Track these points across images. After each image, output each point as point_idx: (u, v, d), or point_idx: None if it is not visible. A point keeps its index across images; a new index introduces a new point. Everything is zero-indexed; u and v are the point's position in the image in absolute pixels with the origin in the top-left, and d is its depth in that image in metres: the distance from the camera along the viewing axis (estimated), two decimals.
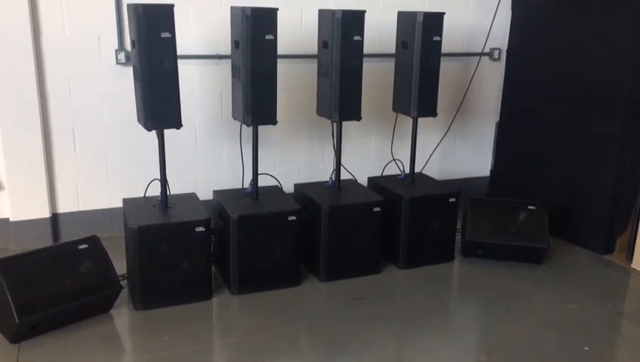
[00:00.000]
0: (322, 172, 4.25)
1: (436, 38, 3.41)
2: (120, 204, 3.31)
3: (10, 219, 3.63)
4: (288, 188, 3.65)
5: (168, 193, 3.20)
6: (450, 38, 4.00)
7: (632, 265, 3.62)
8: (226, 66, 3.79)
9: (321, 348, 2.77)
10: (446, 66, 3.52)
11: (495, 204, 3.74)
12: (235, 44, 3.12)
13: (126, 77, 3.61)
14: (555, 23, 4.09)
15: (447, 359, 2.70)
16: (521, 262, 3.63)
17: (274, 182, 3.56)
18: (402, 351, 2.80)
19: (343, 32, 3.17)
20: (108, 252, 2.96)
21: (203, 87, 3.86)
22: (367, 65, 3.42)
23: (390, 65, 4.01)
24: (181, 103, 2.99)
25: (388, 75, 3.99)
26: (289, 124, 4.04)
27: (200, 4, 3.72)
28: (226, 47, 3.77)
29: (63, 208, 3.76)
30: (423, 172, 4.11)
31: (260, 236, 3.16)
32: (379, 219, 3.40)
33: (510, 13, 4.47)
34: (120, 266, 3.13)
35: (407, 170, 3.79)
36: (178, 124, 2.99)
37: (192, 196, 3.37)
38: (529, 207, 3.64)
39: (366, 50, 3.33)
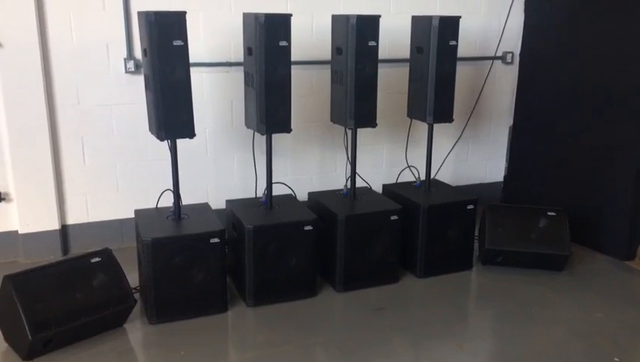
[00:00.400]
0: (334, 179, 4.19)
1: (452, 43, 3.35)
2: (130, 215, 3.24)
3: (19, 232, 3.56)
4: (301, 196, 3.58)
5: (181, 203, 3.12)
6: (463, 42, 3.92)
7: None
8: (236, 74, 3.74)
9: None
10: (458, 71, 3.45)
11: (513, 211, 3.67)
12: (248, 51, 3.05)
13: (135, 86, 3.55)
14: (569, 26, 4.02)
15: None
16: (541, 270, 3.54)
17: (287, 191, 3.49)
18: None
19: (358, 37, 3.11)
20: (120, 264, 2.88)
21: (213, 95, 3.80)
22: (379, 71, 3.35)
23: (401, 70, 3.97)
24: None
25: (399, 80, 3.95)
26: (300, 131, 3.97)
27: (209, 11, 3.66)
28: (236, 55, 3.72)
29: (72, 220, 3.69)
30: (436, 178, 4.04)
31: (276, 246, 3.09)
32: (396, 228, 3.33)
33: (523, 16, 4.40)
34: (132, 278, 3.06)
35: (422, 177, 3.72)
36: (191, 134, 2.93)
37: (205, 206, 3.30)
38: (549, 213, 3.56)
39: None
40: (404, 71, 3.80)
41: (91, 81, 3.53)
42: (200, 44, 3.65)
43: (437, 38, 3.29)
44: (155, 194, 3.26)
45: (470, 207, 3.50)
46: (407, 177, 3.86)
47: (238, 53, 3.64)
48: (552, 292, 3.33)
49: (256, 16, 2.90)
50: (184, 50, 2.80)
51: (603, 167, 3.82)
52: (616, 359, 2.68)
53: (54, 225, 3.60)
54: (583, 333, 2.91)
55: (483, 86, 4.49)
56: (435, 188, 3.70)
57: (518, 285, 3.41)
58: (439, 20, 3.27)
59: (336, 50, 3.26)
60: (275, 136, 3.22)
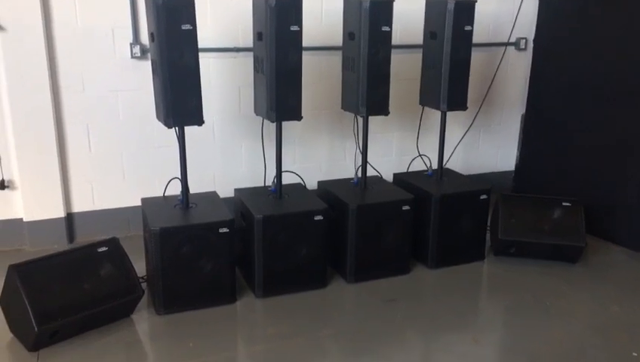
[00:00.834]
0: (343, 168, 4.12)
1: (467, 28, 3.25)
2: (137, 203, 3.18)
3: (24, 219, 3.50)
4: (310, 184, 3.51)
5: (188, 192, 3.05)
6: (475, 27, 3.80)
7: None
8: (244, 59, 3.65)
9: (350, 355, 2.64)
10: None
11: (527, 201, 3.59)
12: (258, 36, 2.97)
13: (141, 71, 3.48)
14: (585, 11, 3.91)
15: None
16: (555, 261, 3.48)
17: (296, 179, 3.42)
18: (436, 356, 2.66)
19: (371, 22, 3.01)
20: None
21: (220, 82, 3.71)
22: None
23: (411, 56, 3.88)
24: None
25: (410, 67, 3.86)
26: (309, 119, 3.87)
27: None
28: (244, 39, 3.63)
29: (77, 207, 3.63)
30: (447, 166, 3.95)
31: (286, 237, 3.02)
32: (408, 218, 3.26)
33: (537, 1, 4.29)
34: (138, 267, 3.00)
35: (433, 166, 3.64)
36: (200, 121, 2.85)
37: (214, 195, 3.23)
38: (564, 204, 3.48)
39: None
40: (415, 57, 3.72)
41: (97, 67, 3.45)
42: (207, 28, 3.56)
43: (452, 22, 3.20)
44: (162, 182, 3.20)
45: (483, 196, 3.43)
46: (418, 166, 3.78)
47: (246, 38, 3.56)
48: (567, 284, 3.27)
49: None
50: (193, 34, 2.71)
51: (617, 156, 3.74)
52: (634, 353, 2.62)
53: (60, 213, 3.55)
54: (600, 327, 2.85)
55: (495, 73, 4.40)
56: (446, 177, 3.63)
57: (531, 277, 3.34)
58: (455, 4, 3.17)
59: (348, 35, 3.16)
60: (284, 124, 3.14)
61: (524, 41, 4.42)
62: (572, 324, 2.87)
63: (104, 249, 2.73)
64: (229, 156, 3.86)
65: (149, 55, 3.07)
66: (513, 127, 4.64)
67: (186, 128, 2.92)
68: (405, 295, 3.15)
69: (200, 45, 2.80)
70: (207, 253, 2.86)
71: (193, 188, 3.16)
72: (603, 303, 3.07)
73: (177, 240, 2.80)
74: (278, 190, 3.20)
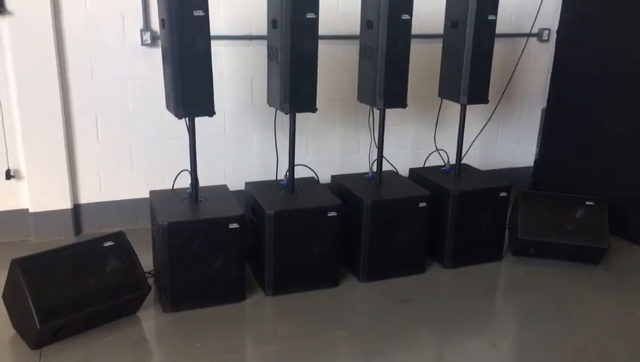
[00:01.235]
0: (357, 161, 4.00)
1: (491, 17, 3.11)
2: (145, 195, 3.09)
3: (30, 210, 3.43)
4: (323, 178, 3.40)
5: (198, 185, 2.95)
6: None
7: None
8: (257, 47, 3.53)
9: (362, 357, 2.55)
10: None
11: (548, 199, 3.45)
12: (273, 23, 2.84)
13: (152, 59, 3.37)
14: (611, 2, 3.75)
15: None
16: (576, 263, 3.35)
17: (309, 173, 3.31)
18: (451, 361, 2.55)
19: (391, 10, 2.88)
20: (133, 247, 2.73)
21: (233, 70, 3.60)
22: None
23: (428, 46, 3.75)
24: None
25: (428, 57, 3.73)
26: (323, 110, 3.71)
27: None
28: (257, 27, 3.51)
29: (85, 199, 3.55)
30: (463, 161, 3.81)
31: (297, 233, 2.92)
32: (424, 215, 3.14)
33: None
34: (145, 261, 2.91)
35: (451, 161, 3.51)
36: (211, 112, 2.74)
37: (224, 189, 3.13)
38: (587, 203, 3.35)
39: None
40: (432, 47, 3.60)
41: (106, 54, 3.35)
42: (220, 15, 3.45)
43: (475, 11, 3.06)
44: (171, 173, 3.10)
45: (503, 194, 3.30)
46: (435, 160, 3.65)
47: (260, 26, 3.43)
48: (589, 287, 3.14)
49: None
50: (205, 20, 2.60)
51: None
52: None
53: (66, 203, 3.46)
54: (624, 333, 2.72)
55: (516, 64, 4.25)
56: (464, 173, 3.50)
57: (552, 278, 3.22)
58: None
59: (367, 23, 3.03)
60: (297, 115, 3.02)
61: (547, 32, 4.26)
62: (595, 330, 2.75)
63: (110, 243, 2.63)
64: (240, 148, 3.75)
65: (159, 42, 2.96)
66: (533, 122, 4.50)
67: (197, 119, 2.81)
68: (420, 295, 3.03)
69: (212, 33, 2.69)
70: (216, 249, 2.77)
71: (203, 181, 3.06)
72: (627, 309, 2.95)
73: (186, 236, 2.71)
74: (291, 184, 3.09)
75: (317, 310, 2.87)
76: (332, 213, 2.94)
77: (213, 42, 2.71)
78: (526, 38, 4.23)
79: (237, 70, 3.60)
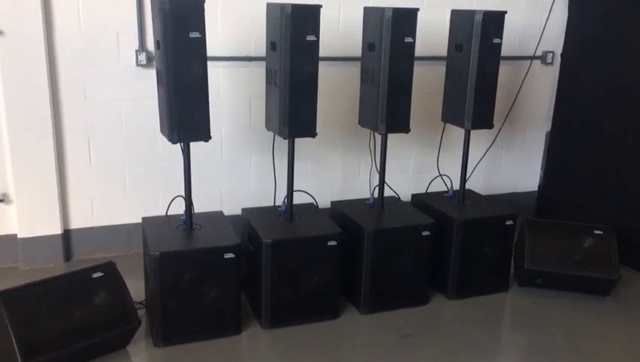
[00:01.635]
0: (357, 186, 3.90)
1: (496, 41, 3.02)
2: (138, 220, 2.97)
3: (18, 236, 3.30)
4: (322, 202, 3.29)
5: (193, 212, 2.84)
6: None
7: None
8: (255, 69, 3.44)
9: None
10: None
11: (555, 227, 3.34)
12: (272, 45, 2.75)
13: (147, 80, 3.27)
14: (616, 25, 3.68)
15: None
16: (584, 294, 3.23)
17: (307, 198, 3.20)
18: None
19: (394, 32, 2.79)
20: (124, 274, 2.61)
21: (230, 92, 3.50)
22: None
23: (431, 69, 3.66)
24: None
25: (430, 80, 3.65)
26: (322, 134, 3.61)
27: (229, 1, 3.36)
28: (256, 48, 3.42)
29: (75, 224, 3.42)
30: (466, 186, 3.71)
31: (296, 263, 2.80)
32: (428, 244, 3.03)
33: (567, 13, 4.05)
34: (138, 289, 2.81)
35: (454, 186, 3.40)
36: (207, 137, 2.64)
37: (219, 216, 3.01)
38: (595, 232, 3.24)
39: None
40: (435, 70, 3.52)
41: (100, 74, 3.25)
42: (218, 35, 3.36)
43: (480, 34, 2.97)
44: (165, 198, 2.99)
45: (509, 222, 3.19)
46: (437, 185, 3.54)
47: (258, 47, 3.35)
48: (600, 320, 3.02)
49: (282, 6, 2.60)
50: (201, 43, 2.50)
51: None
52: None
53: (56, 229, 3.34)
54: None
55: (520, 88, 4.16)
56: (469, 199, 3.39)
57: (560, 311, 3.09)
58: (483, 15, 2.95)
59: (368, 46, 2.95)
60: (297, 139, 2.92)
61: (551, 54, 4.18)
62: None
63: (99, 274, 2.51)
64: (237, 171, 3.64)
65: (155, 63, 2.86)
66: (537, 146, 4.40)
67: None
68: (423, 329, 2.91)
69: (210, 53, 2.59)
70: (210, 280, 2.64)
71: (198, 204, 2.95)
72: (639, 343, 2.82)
73: (179, 266, 2.59)
74: (289, 211, 2.98)
75: (316, 344, 2.75)
76: (332, 242, 2.83)
77: (210, 63, 2.62)
78: (530, 61, 4.15)
79: (234, 91, 3.51)
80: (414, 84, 3.00)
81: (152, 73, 3.12)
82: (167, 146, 2.99)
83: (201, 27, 2.49)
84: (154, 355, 2.60)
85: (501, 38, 3.05)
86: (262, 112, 3.01)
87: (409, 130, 3.03)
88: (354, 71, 3.52)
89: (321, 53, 2.77)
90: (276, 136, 2.92)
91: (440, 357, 2.68)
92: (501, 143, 4.25)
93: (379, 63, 2.86)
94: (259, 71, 3.34)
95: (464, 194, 3.36)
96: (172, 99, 2.53)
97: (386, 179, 3.23)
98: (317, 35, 2.68)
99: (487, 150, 4.19)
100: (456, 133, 3.48)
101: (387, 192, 3.26)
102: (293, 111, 2.73)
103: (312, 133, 2.83)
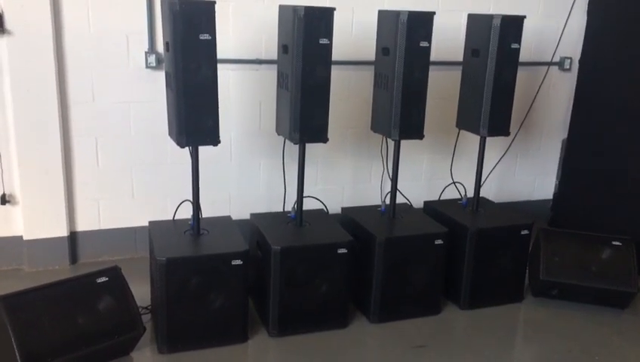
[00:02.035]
0: (368, 192, 3.83)
1: (514, 46, 2.95)
2: (145, 223, 2.91)
3: (24, 238, 3.26)
4: (332, 208, 3.22)
5: (200, 216, 2.78)
6: None
7: None
8: (266, 72, 3.39)
9: None
10: None
11: (572, 238, 3.25)
12: (284, 48, 2.69)
13: (156, 82, 3.22)
14: (637, 30, 3.58)
15: None
16: (600, 306, 3.13)
17: (317, 204, 3.13)
18: None
19: (409, 36, 2.72)
20: (130, 278, 2.56)
21: (240, 95, 3.45)
22: None
23: (445, 74, 3.60)
24: None
25: (444, 85, 3.59)
26: (334, 138, 3.56)
27: (241, 2, 3.31)
28: (267, 51, 3.37)
29: (82, 226, 3.38)
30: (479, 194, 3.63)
31: (305, 270, 2.74)
32: (441, 253, 2.95)
33: (585, 18, 3.97)
34: (144, 293, 2.77)
35: (468, 193, 3.32)
36: (216, 141, 2.58)
37: (228, 220, 2.96)
38: (613, 243, 3.14)
39: None
40: (449, 75, 3.45)
41: (108, 76, 3.21)
42: (229, 38, 3.31)
43: (497, 39, 2.89)
44: (173, 201, 2.94)
45: (524, 232, 3.11)
46: (450, 192, 3.46)
47: (269, 50, 3.30)
48: (617, 334, 2.92)
49: (294, 9, 2.54)
50: (212, 45, 2.45)
51: None
52: None
53: (62, 231, 3.29)
54: None
55: (536, 94, 4.08)
56: (482, 208, 3.30)
57: (577, 324, 3.00)
58: (501, 19, 2.87)
59: (382, 50, 2.88)
60: (307, 144, 2.86)
61: (569, 60, 4.09)
62: None
63: (104, 279, 2.45)
64: (246, 175, 3.58)
65: (164, 65, 2.82)
66: (553, 153, 4.31)
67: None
68: (434, 340, 2.83)
69: (220, 56, 2.54)
70: (217, 286, 2.59)
71: (206, 208, 2.90)
72: None
73: (185, 272, 2.53)
74: (299, 218, 2.91)
75: (324, 353, 2.68)
76: (342, 250, 2.76)
77: (220, 66, 2.57)
78: (547, 67, 4.06)
79: (244, 95, 3.45)
80: (428, 89, 2.93)
81: (161, 75, 3.08)
82: (176, 149, 2.94)
83: (211, 29, 2.43)
84: None
85: (519, 44, 2.97)
86: (272, 116, 2.96)
87: (423, 137, 2.96)
88: (366, 75, 3.46)
89: (334, 56, 2.70)
90: (286, 140, 2.86)
91: None
92: (516, 151, 4.16)
93: (393, 68, 2.79)
94: (269, 74, 3.29)
95: (478, 202, 3.28)
96: (181, 103, 2.48)
97: (398, 186, 3.16)
98: (330, 39, 2.62)
99: (502, 157, 4.11)
100: (470, 139, 3.40)
101: (399, 199, 3.18)
102: (304, 116, 2.67)
103: (324, 139, 2.77)
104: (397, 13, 2.72)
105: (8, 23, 2.95)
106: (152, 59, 3.22)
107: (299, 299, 2.75)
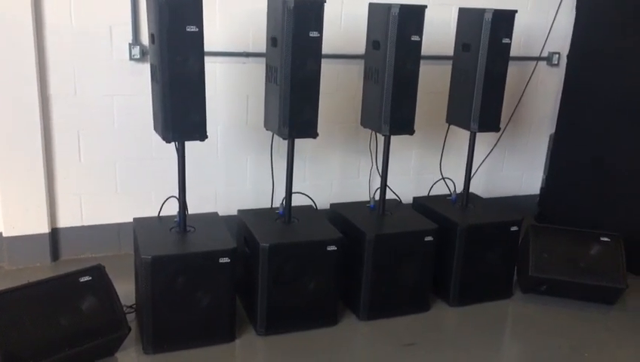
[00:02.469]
0: (357, 187, 3.79)
1: (505, 41, 2.92)
2: (129, 219, 2.84)
3: (4, 234, 3.17)
4: (320, 203, 3.17)
5: (187, 213, 2.72)
6: None
7: None
8: (253, 65, 3.33)
9: None
10: None
11: (560, 234, 3.24)
12: (272, 41, 2.63)
13: (141, 75, 3.15)
14: (625, 25, 3.58)
15: None
16: (589, 302, 3.13)
17: (305, 200, 3.08)
18: None
19: (400, 30, 2.68)
20: (114, 276, 2.49)
21: (227, 89, 3.38)
22: None
23: (434, 68, 3.56)
24: None
25: (434, 80, 3.55)
26: (322, 133, 3.51)
27: None
28: (255, 44, 3.30)
29: (64, 222, 3.29)
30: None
31: (293, 268, 2.69)
32: (430, 250, 2.92)
33: (574, 13, 3.96)
34: (128, 291, 2.71)
35: (457, 189, 3.30)
36: (203, 136, 2.52)
37: (214, 217, 2.89)
38: (602, 239, 3.14)
39: None
40: (439, 69, 3.41)
41: (91, 68, 3.12)
42: (215, 30, 3.24)
43: (489, 34, 2.86)
44: (158, 197, 2.88)
45: (514, 228, 3.09)
46: (439, 188, 3.44)
47: (257, 43, 3.24)
48: (606, 331, 2.93)
49: (284, 0, 2.48)
50: (199, 37, 2.38)
51: None
52: None
53: (44, 228, 3.21)
54: None
55: (525, 89, 4.06)
56: (472, 203, 3.28)
57: (565, 320, 3.00)
58: (493, 14, 2.84)
59: (373, 43, 2.83)
60: (296, 140, 2.80)
61: (557, 56, 4.08)
62: None
63: (87, 278, 2.39)
64: (233, 171, 3.52)
65: (149, 57, 2.74)
66: (540, 148, 4.31)
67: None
68: (424, 337, 2.80)
69: (206, 49, 2.46)
70: (204, 285, 2.53)
71: (192, 204, 2.82)
72: None
73: (171, 271, 2.47)
74: (287, 214, 2.86)
75: (313, 351, 2.64)
76: (332, 247, 2.71)
77: (207, 58, 2.49)
78: (535, 62, 4.05)
79: (232, 88, 3.38)
80: (420, 84, 2.89)
81: (145, 68, 3.00)
82: (161, 144, 2.85)
83: (198, 20, 2.37)
84: None
85: (511, 38, 2.95)
86: (259, 111, 2.90)
87: (413, 132, 2.93)
88: (354, 69, 3.42)
89: (323, 50, 2.65)
90: (274, 135, 2.80)
91: None
92: (503, 146, 4.15)
93: (384, 62, 2.74)
94: (257, 67, 3.23)
95: (467, 197, 3.26)
96: (167, 96, 2.41)
97: (387, 181, 3.12)
98: (320, 32, 2.56)
99: (490, 152, 4.10)
100: (459, 134, 3.38)
101: (388, 194, 3.14)
102: (293, 111, 2.61)
103: (313, 134, 2.72)
104: (388, 7, 2.68)
105: None
106: (137, 51, 3.13)
107: (287, 296, 2.71)
